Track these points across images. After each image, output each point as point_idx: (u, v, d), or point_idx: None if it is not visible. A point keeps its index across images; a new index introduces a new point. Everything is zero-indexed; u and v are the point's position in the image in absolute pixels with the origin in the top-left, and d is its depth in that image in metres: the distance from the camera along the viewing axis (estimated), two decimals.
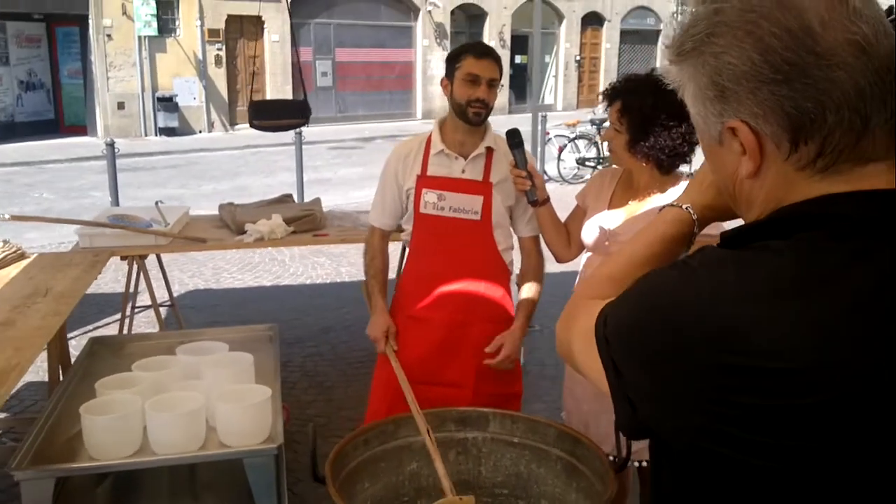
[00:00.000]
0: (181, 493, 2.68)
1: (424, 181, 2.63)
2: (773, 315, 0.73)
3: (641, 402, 0.83)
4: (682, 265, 0.84)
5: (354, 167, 13.40)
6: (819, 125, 0.76)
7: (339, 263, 6.99)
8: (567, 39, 25.04)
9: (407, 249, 2.88)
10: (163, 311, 5.22)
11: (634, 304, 0.86)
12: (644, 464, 2.45)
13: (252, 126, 5.68)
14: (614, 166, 2.53)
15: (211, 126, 18.29)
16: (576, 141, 11.76)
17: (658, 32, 28.06)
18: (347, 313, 5.62)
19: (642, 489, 2.59)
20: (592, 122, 12.39)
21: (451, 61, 2.58)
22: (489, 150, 2.62)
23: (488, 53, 2.55)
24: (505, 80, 23.74)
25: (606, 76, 26.54)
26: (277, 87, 19.32)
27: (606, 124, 9.19)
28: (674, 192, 2.36)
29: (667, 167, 2.34)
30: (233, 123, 18.82)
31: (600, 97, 2.49)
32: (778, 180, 0.82)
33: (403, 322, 2.71)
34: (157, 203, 4.08)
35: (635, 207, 2.41)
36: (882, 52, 0.75)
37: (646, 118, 2.26)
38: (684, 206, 1.07)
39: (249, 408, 2.25)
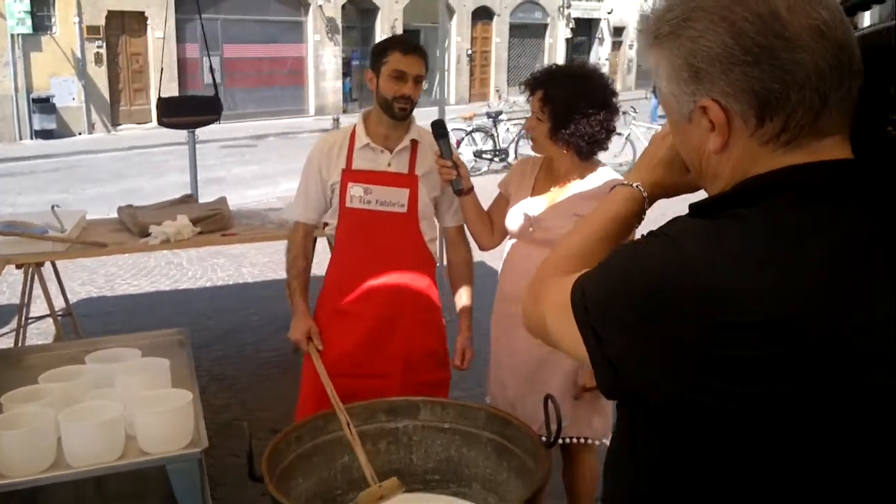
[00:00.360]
0: None
1: (350, 175, 2.62)
2: (750, 275, 0.79)
3: (624, 363, 0.88)
4: (662, 236, 0.89)
5: (248, 165, 13.10)
6: (784, 103, 0.83)
7: (240, 264, 6.84)
8: (458, 34, 25.27)
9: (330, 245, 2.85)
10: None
11: (618, 274, 0.91)
12: (569, 440, 2.53)
13: (161, 124, 5.48)
14: (534, 155, 2.59)
15: (92, 127, 17.43)
16: (473, 134, 11.92)
17: (545, 26, 28.74)
18: (253, 314, 5.51)
19: (565, 465, 2.67)
20: (488, 115, 12.58)
21: (377, 55, 2.56)
22: (414, 143, 2.63)
23: (415, 49, 2.55)
24: None
25: (497, 70, 26.98)
26: (163, 84, 18.59)
27: (503, 117, 9.44)
28: (593, 179, 2.44)
29: (586, 154, 2.42)
30: (115, 124, 18.03)
31: (520, 88, 2.55)
32: (743, 154, 0.89)
33: (330, 316, 2.70)
34: (53, 207, 3.88)
35: (557, 194, 2.48)
36: (838, 36, 0.83)
37: (567, 107, 2.33)
38: (634, 185, 1.12)
39: (171, 413, 2.19)
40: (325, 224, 2.83)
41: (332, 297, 2.72)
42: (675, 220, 0.92)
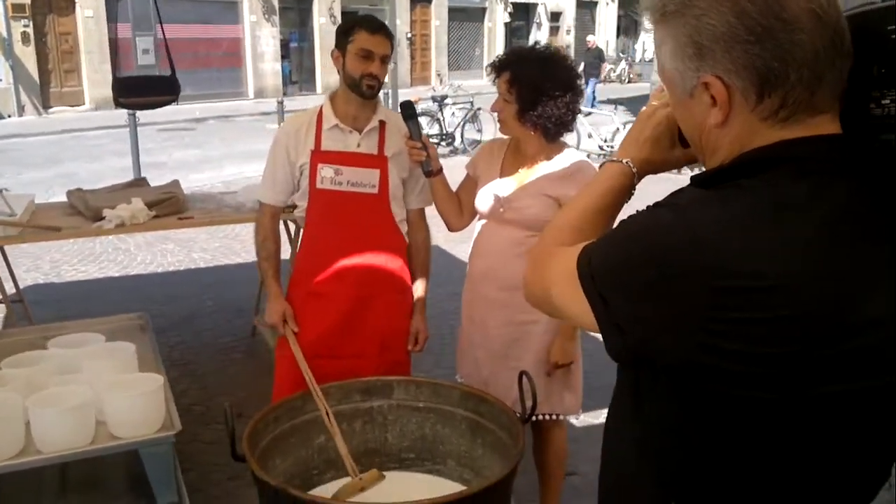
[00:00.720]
0: (62, 493, 2.55)
1: (319, 156, 2.62)
2: (757, 240, 0.85)
3: (633, 328, 0.93)
4: (669, 205, 0.95)
5: (189, 149, 12.84)
6: (783, 81, 0.89)
7: (191, 249, 6.73)
8: (398, 17, 25.11)
9: (300, 227, 2.85)
10: (2, 308, 4.84)
11: (627, 241, 0.96)
12: (541, 417, 2.59)
13: (117, 105, 5.32)
14: (501, 136, 2.64)
15: (21, 110, 16.81)
16: (418, 118, 11.89)
17: (484, 10, 28.78)
18: (208, 299, 5.45)
19: (535, 442, 2.74)
20: (434, 99, 12.58)
21: (343, 35, 2.56)
22: (382, 124, 2.65)
23: (381, 28, 2.55)
24: None
25: (438, 53, 26.92)
26: (94, 66, 18.04)
27: (448, 101, 9.42)
28: (560, 159, 2.50)
29: (553, 135, 2.47)
30: (46, 106, 17.41)
31: (487, 69, 2.59)
32: (743, 129, 0.94)
33: (304, 298, 2.70)
34: (0, 191, 3.76)
35: (525, 175, 2.53)
36: (833, 19, 0.89)
37: (535, 88, 2.38)
38: (624, 161, 1.17)
39: (143, 396, 2.18)
40: (294, 207, 2.82)
41: (304, 278, 2.72)
42: (680, 191, 0.97)
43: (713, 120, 0.95)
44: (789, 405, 0.87)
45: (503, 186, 2.54)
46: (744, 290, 0.83)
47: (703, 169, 1.03)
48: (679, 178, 1.14)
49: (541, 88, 2.38)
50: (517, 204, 2.48)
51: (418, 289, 2.82)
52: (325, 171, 2.61)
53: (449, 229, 2.75)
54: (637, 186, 1.19)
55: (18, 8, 16.44)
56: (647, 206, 0.98)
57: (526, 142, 2.51)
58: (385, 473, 2.43)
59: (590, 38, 20.42)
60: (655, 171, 1.21)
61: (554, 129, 2.45)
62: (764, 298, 0.83)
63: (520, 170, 2.54)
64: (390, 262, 2.71)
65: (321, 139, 2.62)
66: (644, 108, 1.22)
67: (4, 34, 16.25)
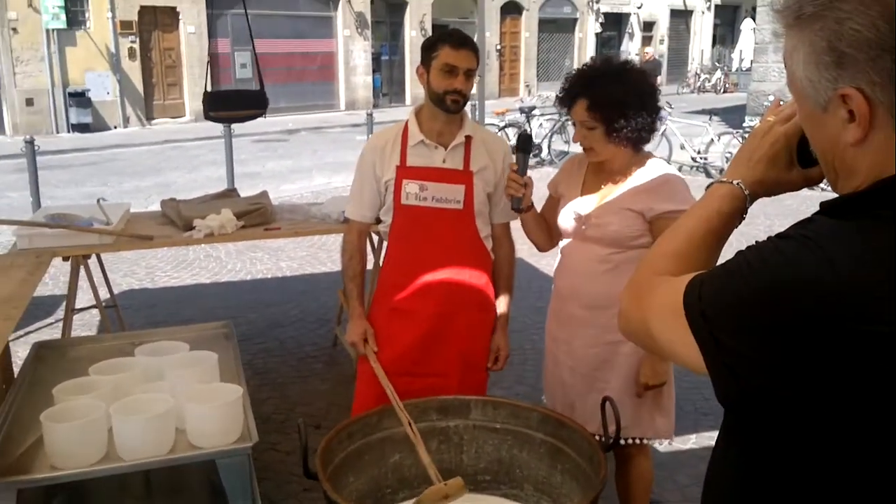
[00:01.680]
0: (146, 498, 2.59)
1: (404, 172, 2.59)
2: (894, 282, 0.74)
3: (751, 373, 0.83)
4: (799, 238, 0.84)
5: (282, 160, 13.16)
6: None
7: (279, 258, 6.85)
8: (487, 28, 25.17)
9: (385, 242, 2.83)
10: (97, 312, 5.03)
11: (750, 276, 0.85)
12: (624, 442, 2.48)
13: (208, 118, 5.49)
14: (573, 151, 2.55)
15: (126, 121, 17.64)
16: (506, 129, 11.84)
17: (574, 21, 28.52)
18: (293, 308, 5.52)
19: (618, 468, 2.62)
20: (521, 110, 12.49)
21: (428, 50, 2.54)
22: (468, 139, 2.61)
23: (465, 43, 2.51)
24: None
25: (527, 65, 26.84)
26: (195, 79, 18.76)
27: (536, 112, 9.35)
28: (644, 172, 2.40)
29: (640, 146, 2.39)
30: (149, 118, 18.21)
31: (555, 98, 2.52)
32: (884, 151, 0.83)
33: (387, 315, 2.68)
34: (98, 200, 3.90)
35: (608, 190, 2.44)
36: None
37: (617, 104, 2.29)
38: (735, 182, 1.07)
39: (222, 407, 2.19)
40: (379, 221, 2.80)
41: (387, 294, 2.69)
42: (809, 221, 0.87)
43: (850, 138, 0.85)
44: None
45: (585, 204, 2.46)
46: (885, 337, 0.73)
47: (832, 192, 0.93)
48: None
49: (623, 101, 2.29)
50: (599, 221, 2.40)
51: (501, 305, 2.75)
52: (410, 187, 2.58)
53: (539, 250, 2.72)
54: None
55: (126, 25, 17.29)
56: (770, 238, 0.88)
57: (612, 159, 2.41)
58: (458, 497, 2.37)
59: (647, 49, 19.80)
60: (769, 194, 1.11)
61: (642, 140, 2.37)
62: None
63: (602, 186, 2.46)
64: (474, 278, 2.66)
65: (406, 155, 2.60)
66: (757, 124, 1.14)
67: (113, 50, 17.10)
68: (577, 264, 2.47)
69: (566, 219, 2.49)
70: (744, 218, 1.09)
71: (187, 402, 2.17)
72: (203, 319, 4.66)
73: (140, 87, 17.91)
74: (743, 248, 0.91)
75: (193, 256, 6.87)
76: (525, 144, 2.49)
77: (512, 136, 12.00)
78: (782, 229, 0.95)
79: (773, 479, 0.88)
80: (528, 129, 12.11)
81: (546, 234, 2.62)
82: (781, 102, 1.13)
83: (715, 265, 1.04)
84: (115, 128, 17.30)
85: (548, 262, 6.25)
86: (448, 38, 2.52)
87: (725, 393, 0.88)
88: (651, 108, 2.35)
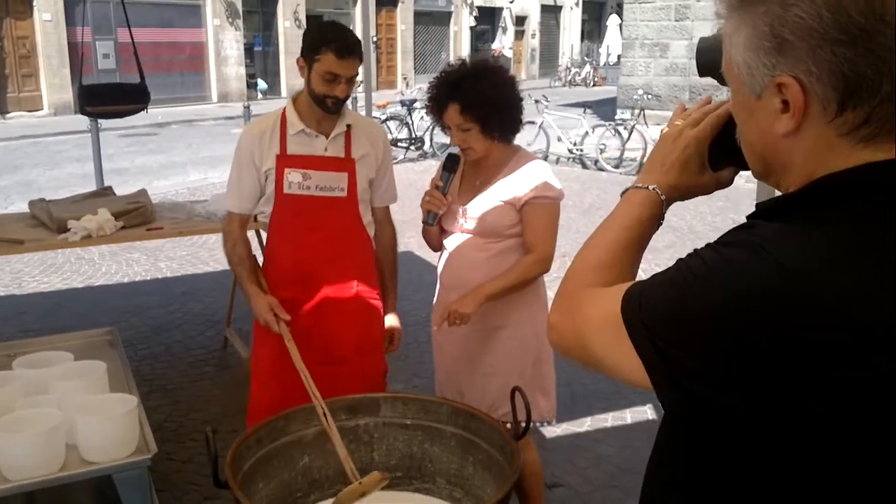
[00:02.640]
0: None
1: (286, 160, 2.55)
2: (855, 285, 0.73)
3: (699, 384, 0.80)
4: (744, 243, 0.81)
5: (152, 155, 12.59)
6: (873, 93, 0.77)
7: (157, 258, 6.56)
8: (362, 20, 25.02)
9: (263, 233, 2.79)
10: None
11: (691, 286, 0.82)
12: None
13: (84, 113, 5.13)
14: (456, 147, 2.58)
15: None
16: (387, 122, 11.81)
17: (449, 14, 28.78)
18: (176, 310, 5.30)
19: None
20: (402, 103, 12.49)
21: (310, 48, 2.46)
22: (348, 128, 2.61)
23: (351, 52, 2.44)
24: None
25: (403, 57, 26.86)
26: (53, 70, 17.67)
27: (417, 104, 9.38)
28: (513, 165, 2.50)
29: (511, 138, 2.50)
30: (3, 112, 16.98)
31: (424, 107, 2.61)
32: (818, 144, 0.82)
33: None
34: None
35: (483, 185, 2.52)
36: None
37: (490, 100, 2.38)
38: (650, 187, 1.06)
39: (116, 419, 2.11)
40: (255, 217, 2.76)
41: (273, 287, 2.63)
42: (749, 226, 0.84)
43: (781, 129, 0.83)
44: (883, 466, 0.76)
45: (464, 198, 2.55)
46: (843, 343, 0.72)
47: (760, 185, 0.94)
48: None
49: (493, 98, 2.38)
50: (475, 214, 2.50)
51: (389, 288, 2.79)
52: (293, 176, 2.54)
53: (433, 250, 2.75)
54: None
55: None
56: (710, 245, 0.85)
57: (487, 154, 2.50)
58: (372, 493, 2.35)
59: (494, 44, 18.54)
60: (683, 198, 1.10)
61: (513, 132, 2.49)
62: (868, 353, 0.71)
63: (478, 181, 2.54)
64: (359, 265, 2.68)
65: (286, 143, 2.56)
66: (665, 128, 1.12)
67: None
68: (459, 255, 2.55)
69: (448, 214, 2.56)
70: (661, 223, 1.08)
71: (77, 415, 2.06)
72: (80, 326, 4.39)
73: None
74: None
75: (63, 259, 6.46)
76: (452, 164, 2.52)
77: (395, 129, 12.00)
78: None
79: (722, 483, 0.87)
80: (411, 122, 12.13)
81: (440, 235, 2.67)
82: (686, 107, 1.12)
83: (637, 272, 1.04)
84: None
85: (436, 256, 6.30)
86: (333, 45, 2.42)
87: (671, 403, 0.86)
88: (516, 101, 2.47)
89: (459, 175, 2.57)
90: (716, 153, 1.06)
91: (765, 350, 0.75)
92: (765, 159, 0.90)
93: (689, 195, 1.10)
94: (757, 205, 0.89)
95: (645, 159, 1.16)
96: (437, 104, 2.45)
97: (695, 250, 0.87)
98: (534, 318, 2.54)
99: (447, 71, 2.49)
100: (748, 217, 0.89)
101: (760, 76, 0.83)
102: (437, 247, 2.69)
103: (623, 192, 1.10)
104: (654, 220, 1.07)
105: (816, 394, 0.74)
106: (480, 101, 2.36)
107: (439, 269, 2.66)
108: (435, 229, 2.62)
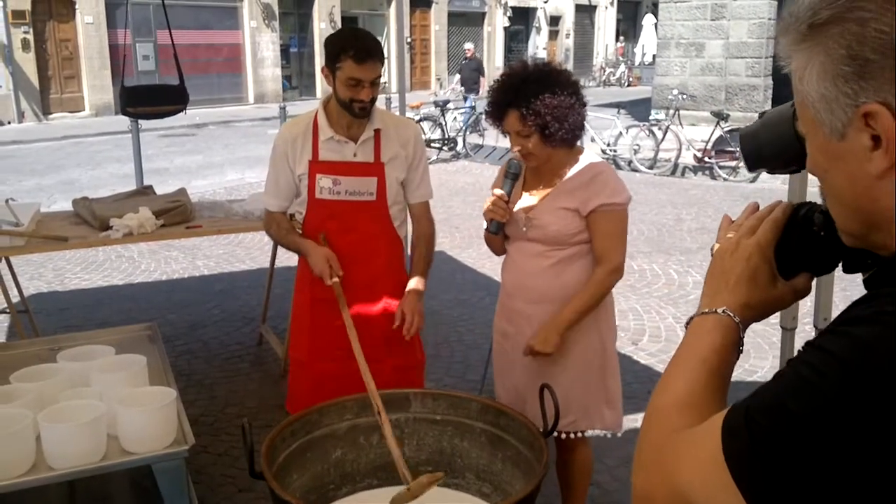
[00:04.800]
0: None
1: (317, 166, 2.63)
2: None
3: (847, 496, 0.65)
4: (877, 316, 0.67)
5: (191, 155, 12.80)
6: None
7: (195, 257, 6.68)
8: (396, 21, 25.13)
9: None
10: (5, 318, 4.79)
11: (823, 390, 0.66)
12: (563, 436, 2.55)
13: (125, 113, 5.28)
14: (510, 150, 2.56)
15: (21, 116, 16.77)
16: (421, 123, 11.87)
17: (483, 15, 28.77)
18: (214, 307, 5.40)
19: (559, 457, 2.69)
20: (436, 103, 12.54)
21: (331, 57, 2.50)
22: (377, 132, 2.64)
23: (370, 55, 2.46)
24: None
25: (437, 58, 26.93)
26: (94, 72, 18.03)
27: (450, 105, 9.34)
28: (576, 170, 2.44)
29: (574, 143, 2.43)
30: (46, 113, 17.38)
31: (482, 118, 2.55)
32: None
33: (310, 304, 2.73)
34: (7, 201, 3.71)
35: (546, 191, 2.47)
36: None
37: (551, 107, 2.30)
38: (720, 311, 0.91)
39: (156, 411, 2.15)
40: (292, 216, 2.83)
41: (308, 285, 2.72)
42: (874, 297, 0.71)
43: (875, 169, 0.69)
44: None
45: (526, 204, 2.49)
46: None
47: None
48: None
49: (554, 105, 2.30)
50: (538, 221, 2.44)
51: (414, 279, 2.72)
52: (324, 182, 2.62)
53: (497, 255, 2.72)
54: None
55: (18, 14, 16.43)
56: (825, 332, 0.71)
57: (548, 159, 2.44)
58: (403, 488, 2.39)
59: (467, 45, 17.13)
60: (760, 317, 0.94)
61: (575, 138, 2.41)
62: None
63: (540, 185, 2.49)
64: (390, 266, 2.73)
65: (318, 149, 2.62)
66: (717, 244, 0.99)
67: (4, 41, 16.22)
68: (522, 261, 2.51)
69: (510, 220, 2.51)
70: (741, 350, 0.92)
71: (119, 407, 2.12)
72: (119, 322, 4.52)
73: (35, 80, 17.06)
74: None
75: (104, 257, 6.62)
76: (513, 170, 2.45)
77: (428, 129, 12.05)
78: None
79: None
80: (444, 123, 12.17)
81: (504, 241, 2.61)
82: (732, 220, 1.01)
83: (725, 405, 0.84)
84: (9, 123, 16.43)
85: (469, 255, 6.33)
86: (351, 52, 2.44)
87: None
88: (579, 105, 2.39)
89: (521, 182, 2.52)
90: (784, 259, 0.93)
91: None
92: (860, 214, 0.76)
93: (766, 312, 0.95)
94: (872, 264, 0.77)
95: (704, 281, 0.99)
96: (497, 110, 2.38)
97: (808, 343, 0.73)
98: (600, 329, 2.50)
99: (508, 74, 2.41)
100: (866, 283, 0.78)
101: (841, 109, 0.71)
102: (500, 251, 2.65)
103: (687, 323, 0.95)
104: (734, 348, 0.90)
105: None
106: (541, 109, 2.29)
107: (502, 274, 2.64)
108: (498, 236, 2.56)
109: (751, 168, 1.05)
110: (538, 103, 2.29)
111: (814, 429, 0.65)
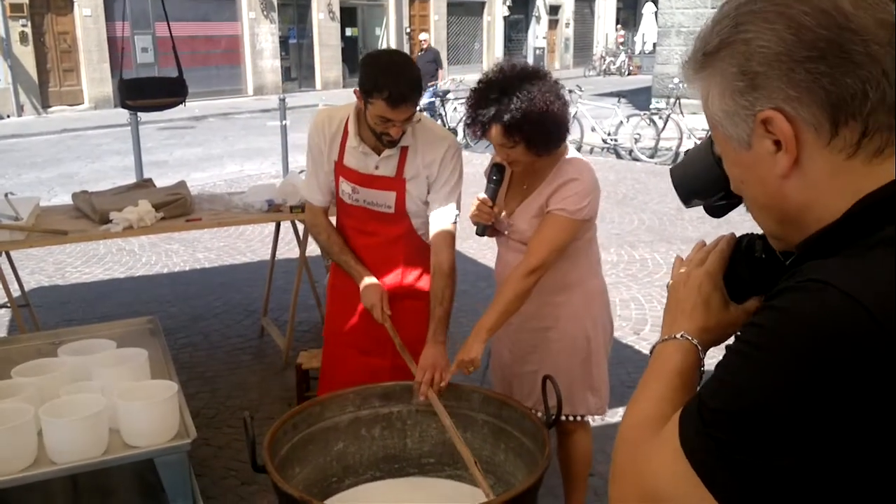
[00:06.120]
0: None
1: (341, 170, 2.60)
2: None
3: (799, 481, 0.69)
4: (801, 286, 0.72)
5: (190, 147, 12.78)
6: (861, 102, 0.73)
7: (195, 249, 6.67)
8: (395, 11, 25.01)
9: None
10: (6, 312, 4.79)
11: (758, 359, 0.71)
12: (564, 419, 2.55)
13: (125, 106, 5.25)
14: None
15: (20, 110, 16.73)
16: (421, 113, 11.82)
17: (483, 4, 28.66)
18: (215, 300, 5.39)
19: (559, 443, 2.70)
20: (436, 94, 12.50)
21: (365, 89, 2.35)
22: (403, 148, 2.52)
23: (404, 100, 2.31)
24: (337, 54, 23.45)
25: (438, 48, 26.82)
26: (93, 65, 17.98)
27: (450, 96, 9.27)
28: (557, 170, 2.41)
29: (558, 146, 2.40)
30: (45, 106, 17.34)
31: (468, 133, 2.45)
32: (828, 173, 0.76)
33: (345, 295, 2.74)
34: (6, 195, 3.70)
35: (527, 193, 2.46)
36: None
37: (535, 117, 2.24)
38: (679, 336, 0.97)
39: (158, 405, 2.15)
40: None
41: (334, 272, 2.80)
42: (795, 272, 0.76)
43: (780, 169, 0.77)
44: None
45: (509, 206, 2.51)
46: None
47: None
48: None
49: (538, 116, 2.24)
50: (518, 223, 2.46)
51: (433, 323, 2.52)
52: (345, 186, 2.60)
53: None
54: None
55: (16, 8, 16.36)
56: (756, 313, 0.76)
57: (534, 162, 2.41)
58: (405, 479, 2.40)
59: (423, 35, 16.37)
60: (718, 341, 0.99)
61: (560, 142, 2.39)
62: None
63: (524, 186, 2.49)
64: (409, 269, 2.69)
65: (344, 153, 2.57)
66: (670, 280, 1.07)
67: (2, 34, 16.17)
68: (508, 256, 2.54)
69: (497, 219, 2.53)
70: (703, 371, 0.96)
71: (120, 400, 2.12)
72: (121, 315, 4.51)
73: (34, 73, 17.01)
74: None
75: (105, 250, 6.61)
76: (497, 175, 2.44)
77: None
78: None
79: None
80: (444, 114, 12.13)
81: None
82: (682, 258, 1.09)
83: None
84: (8, 116, 16.40)
85: (470, 246, 6.30)
86: (385, 94, 2.29)
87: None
88: (562, 111, 2.32)
89: (507, 182, 2.51)
90: (734, 285, 1.02)
91: (883, 414, 0.65)
92: (776, 213, 0.83)
93: (723, 335, 1.00)
94: (797, 247, 0.82)
95: (663, 312, 1.07)
96: (479, 124, 2.31)
97: (743, 326, 0.78)
98: (581, 318, 2.51)
99: (486, 84, 2.32)
100: (789, 263, 0.83)
101: (743, 120, 0.79)
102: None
103: (651, 351, 1.01)
104: (695, 368, 0.96)
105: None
106: (524, 121, 2.23)
107: (495, 265, 2.68)
108: (490, 231, 2.56)
109: (685, 202, 1.12)
110: (520, 116, 2.23)
111: (755, 397, 0.70)
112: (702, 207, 1.11)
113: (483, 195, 2.44)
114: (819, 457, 0.67)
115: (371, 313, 2.56)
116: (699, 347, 0.97)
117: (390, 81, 2.29)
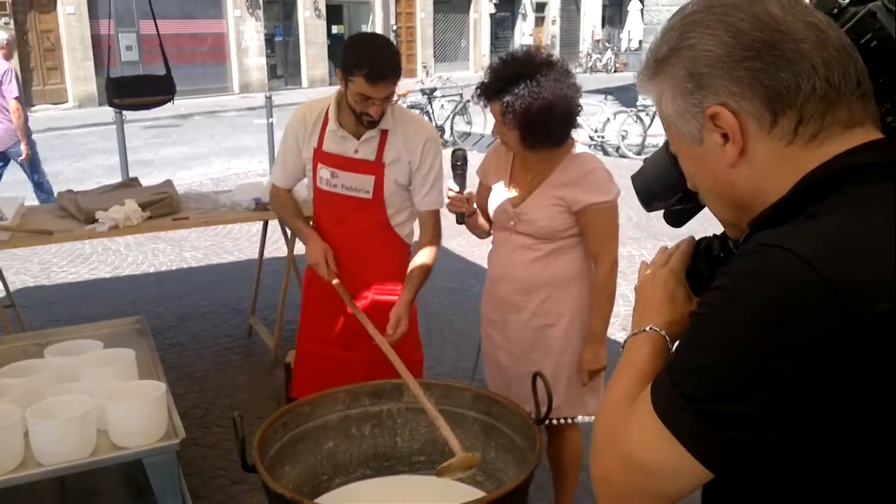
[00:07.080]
0: None
1: (320, 156, 2.63)
2: (877, 259, 0.73)
3: (766, 430, 0.74)
4: (750, 252, 0.79)
5: (176, 146, 12.70)
6: (795, 93, 0.81)
7: (182, 248, 6.63)
8: (381, 8, 24.95)
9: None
10: None
11: (715, 320, 0.79)
12: (555, 422, 2.56)
13: (111, 105, 5.22)
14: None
15: None
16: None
17: (469, 1, 28.64)
18: (202, 299, 5.36)
19: (550, 443, 2.70)
20: (423, 91, 12.47)
21: (345, 67, 2.42)
22: (383, 132, 2.58)
23: (383, 76, 2.39)
24: (323, 52, 23.37)
25: (423, 45, 26.80)
26: (77, 63, 17.83)
27: (437, 93, 9.27)
28: (566, 164, 2.41)
29: (560, 141, 2.38)
30: (29, 105, 17.13)
31: (473, 96, 2.43)
32: (772, 160, 0.85)
33: (318, 283, 2.73)
34: None
35: (534, 183, 2.45)
36: (834, 35, 0.84)
37: (536, 113, 2.24)
38: (648, 328, 1.04)
39: (146, 405, 2.15)
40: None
41: (315, 274, 2.75)
42: (747, 241, 0.85)
43: (729, 158, 0.86)
44: None
45: (513, 195, 2.48)
46: (873, 318, 0.70)
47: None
48: None
49: (539, 112, 2.23)
50: (527, 217, 2.43)
51: (411, 277, 2.65)
52: (323, 173, 2.63)
53: (481, 238, 2.75)
54: None
55: None
56: (720, 274, 0.81)
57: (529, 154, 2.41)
58: (396, 477, 2.40)
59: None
60: (682, 332, 1.03)
61: (561, 139, 2.36)
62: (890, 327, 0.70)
63: (529, 176, 2.46)
64: (384, 261, 2.71)
65: (324, 139, 2.61)
66: (637, 282, 1.15)
67: None
68: (508, 252, 2.51)
69: (496, 210, 2.52)
70: None
71: (108, 401, 2.11)
72: (107, 316, 4.47)
73: (17, 71, 16.84)
74: None
75: (91, 250, 6.56)
76: (459, 162, 2.46)
77: None
78: None
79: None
80: (431, 111, 12.12)
81: (484, 226, 2.64)
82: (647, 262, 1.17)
83: None
84: None
85: (458, 244, 6.31)
86: (365, 70, 2.37)
87: (730, 471, 0.79)
88: (569, 111, 2.30)
89: (508, 171, 2.50)
90: (696, 282, 1.10)
91: (825, 348, 0.71)
92: (728, 200, 0.91)
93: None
94: (749, 224, 0.89)
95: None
96: (485, 94, 2.33)
97: (702, 292, 0.85)
98: (583, 317, 2.51)
99: (506, 61, 2.34)
100: (742, 241, 0.90)
101: (693, 117, 0.88)
102: (483, 235, 2.70)
103: (623, 345, 1.07)
104: (665, 356, 1.01)
105: (886, 376, 0.71)
106: (523, 111, 2.23)
107: (488, 262, 2.66)
108: (475, 219, 2.59)
109: (647, 207, 1.21)
110: (521, 105, 2.23)
111: (717, 351, 0.77)
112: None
113: (453, 186, 2.48)
114: (781, 403, 0.73)
115: (317, 270, 2.62)
116: (667, 338, 1.04)
117: (370, 59, 2.38)
